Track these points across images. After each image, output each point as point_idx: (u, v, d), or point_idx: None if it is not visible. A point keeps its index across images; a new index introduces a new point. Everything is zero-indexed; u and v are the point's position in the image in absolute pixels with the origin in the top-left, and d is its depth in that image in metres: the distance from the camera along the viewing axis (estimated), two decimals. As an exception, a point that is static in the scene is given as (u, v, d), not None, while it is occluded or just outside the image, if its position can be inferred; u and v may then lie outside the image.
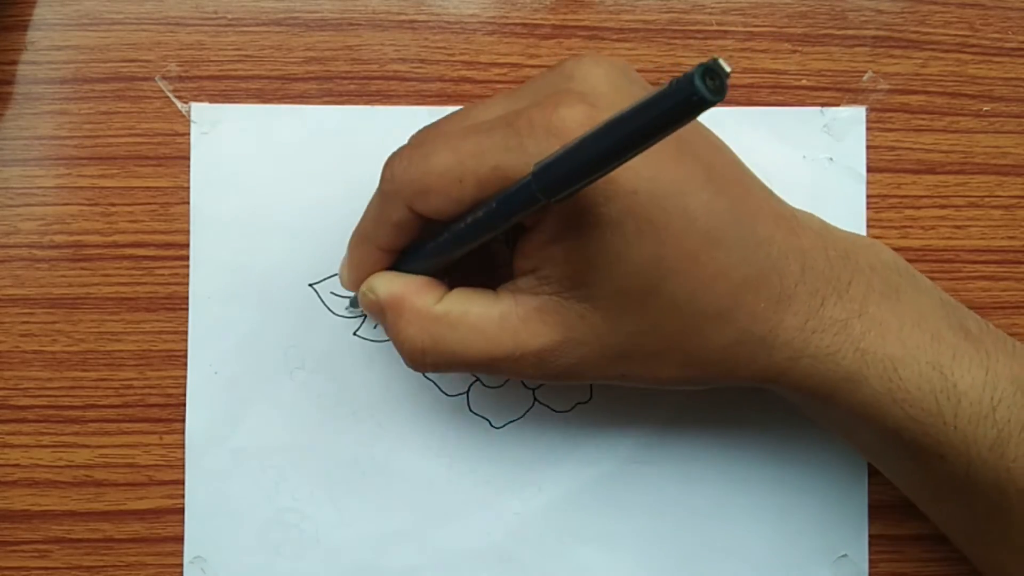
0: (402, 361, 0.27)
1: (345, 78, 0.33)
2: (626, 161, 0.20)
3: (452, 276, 0.28)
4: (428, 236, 0.27)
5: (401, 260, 0.28)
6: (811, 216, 0.28)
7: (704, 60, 0.18)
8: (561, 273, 0.25)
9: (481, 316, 0.26)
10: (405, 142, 0.27)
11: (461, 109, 0.28)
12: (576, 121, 0.23)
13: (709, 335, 0.26)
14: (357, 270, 0.29)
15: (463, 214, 0.25)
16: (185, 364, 0.32)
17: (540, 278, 0.25)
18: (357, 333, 0.33)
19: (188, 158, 0.33)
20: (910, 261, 0.29)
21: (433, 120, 0.32)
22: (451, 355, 0.26)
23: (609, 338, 0.25)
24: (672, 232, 0.24)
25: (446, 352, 0.26)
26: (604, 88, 0.25)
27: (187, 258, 0.32)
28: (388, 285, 0.28)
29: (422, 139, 0.26)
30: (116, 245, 0.32)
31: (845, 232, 0.29)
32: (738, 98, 0.33)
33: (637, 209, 0.24)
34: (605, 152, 0.20)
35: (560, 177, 0.22)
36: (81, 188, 0.32)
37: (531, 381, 0.27)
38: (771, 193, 0.28)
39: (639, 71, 0.33)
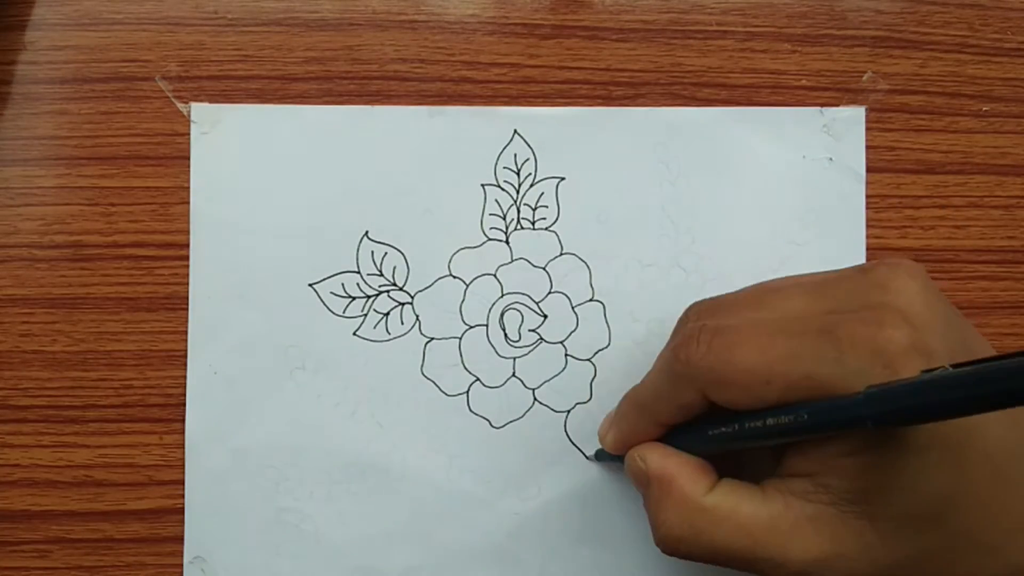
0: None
1: (345, 78, 0.33)
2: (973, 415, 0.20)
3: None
4: (708, 418, 0.27)
5: (673, 434, 0.28)
6: None
7: None
8: (847, 487, 0.24)
9: (750, 517, 0.25)
10: (692, 318, 0.27)
11: (751, 291, 0.27)
12: (902, 346, 0.23)
13: (979, 567, 0.25)
14: (627, 437, 0.29)
15: (760, 413, 0.25)
16: (185, 364, 0.32)
17: (819, 484, 0.25)
18: (357, 333, 0.33)
19: (188, 158, 0.33)
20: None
21: (432, 118, 0.32)
22: (711, 548, 0.26)
23: (880, 559, 0.25)
24: (970, 465, 0.24)
25: (707, 545, 0.26)
26: (920, 308, 0.24)
27: (187, 258, 0.32)
28: (661, 461, 0.27)
29: (720, 327, 0.26)
30: (116, 245, 0.32)
31: None
32: (738, 98, 0.33)
33: (942, 440, 0.23)
34: (955, 404, 0.20)
35: (897, 411, 0.21)
36: (81, 188, 0.32)
37: None
38: None
39: (639, 71, 0.33)
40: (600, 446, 0.31)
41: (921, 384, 0.21)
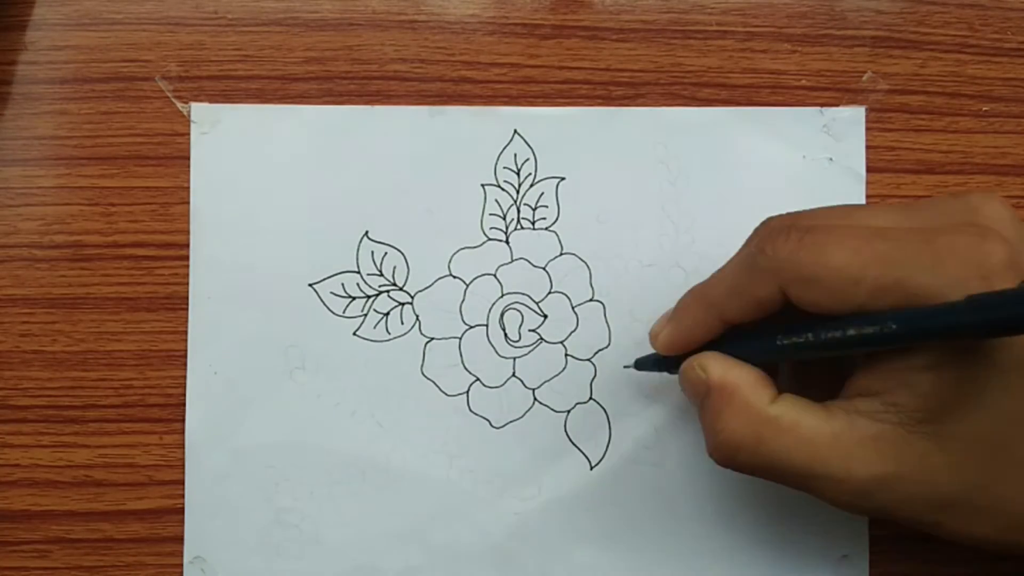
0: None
1: (345, 78, 0.33)
2: None
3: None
4: (772, 326, 0.26)
5: (732, 340, 0.27)
6: None
7: None
8: (917, 405, 0.24)
9: (812, 429, 0.25)
10: (782, 219, 0.26)
11: (836, 207, 0.27)
12: (1001, 260, 0.23)
13: None
14: (686, 334, 0.28)
15: (840, 321, 0.24)
16: (185, 364, 0.32)
17: (887, 403, 0.24)
18: (357, 333, 0.33)
19: (188, 158, 0.33)
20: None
21: (434, 119, 0.32)
22: (770, 459, 0.25)
23: (944, 485, 0.24)
24: None
25: (766, 455, 0.25)
26: (1013, 233, 0.24)
27: (187, 258, 0.32)
28: (723, 371, 0.27)
29: (812, 226, 0.25)
30: (116, 245, 0.32)
31: None
32: (738, 98, 0.33)
33: None
34: None
35: (1001, 320, 0.21)
36: (81, 188, 0.32)
37: (834, 506, 0.26)
38: None
39: (639, 71, 0.33)
40: (642, 354, 0.30)
41: None
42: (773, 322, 0.26)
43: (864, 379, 0.25)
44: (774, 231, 0.26)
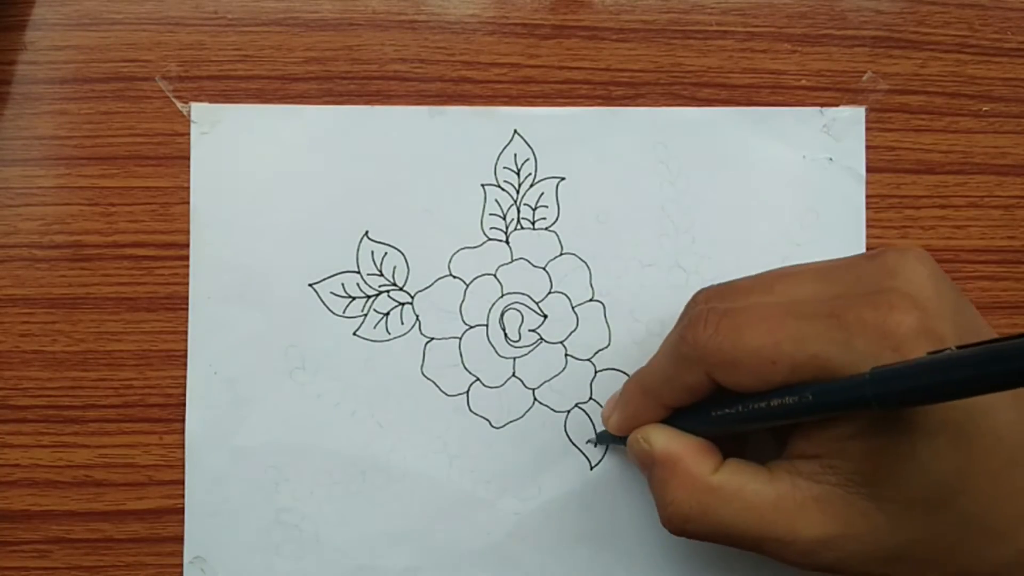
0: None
1: (345, 78, 0.33)
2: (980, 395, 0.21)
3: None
4: (712, 400, 0.27)
5: (677, 416, 0.28)
6: None
7: None
8: (853, 468, 0.24)
9: (757, 494, 0.26)
10: (701, 302, 0.27)
11: (760, 277, 0.27)
12: (911, 329, 0.23)
13: (987, 552, 0.25)
14: (631, 420, 0.29)
15: (766, 394, 0.25)
16: (185, 364, 0.32)
17: (826, 466, 0.25)
18: (357, 333, 0.33)
19: (188, 158, 0.33)
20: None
21: (434, 119, 0.32)
22: (717, 527, 0.26)
23: (887, 540, 0.25)
24: (980, 449, 0.24)
25: (713, 523, 0.26)
26: (930, 293, 0.24)
27: (187, 258, 0.32)
28: (666, 442, 0.28)
29: (728, 308, 0.26)
30: (116, 245, 0.32)
31: None
32: (738, 98, 0.33)
33: (951, 423, 0.23)
34: (961, 384, 0.20)
35: (903, 392, 0.21)
36: (81, 188, 0.32)
37: (785, 565, 0.26)
38: None
39: (639, 71, 0.33)
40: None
41: (927, 364, 0.21)
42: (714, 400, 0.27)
43: (801, 442, 0.26)
44: (694, 319, 0.26)
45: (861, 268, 0.26)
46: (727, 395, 0.26)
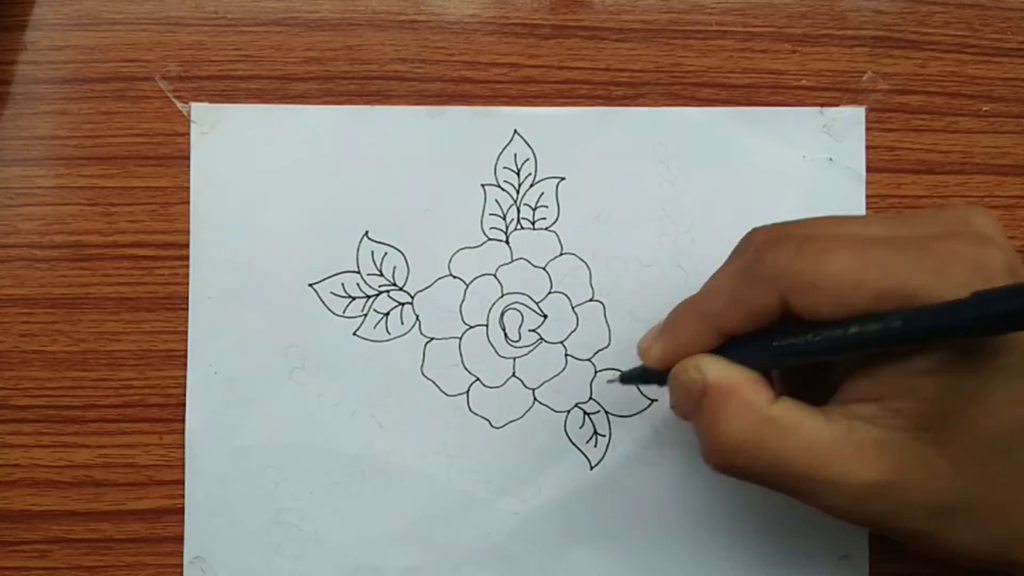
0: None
1: (345, 78, 0.33)
2: None
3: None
4: (768, 332, 0.26)
5: (729, 348, 0.27)
6: None
7: None
8: (921, 410, 0.24)
9: (813, 432, 0.25)
10: (775, 229, 0.26)
11: (825, 218, 0.26)
12: (1001, 264, 0.23)
13: None
14: (679, 347, 0.27)
15: (843, 322, 0.24)
16: (185, 364, 0.32)
17: (887, 409, 0.24)
18: (357, 333, 0.33)
19: (188, 158, 0.33)
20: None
21: (434, 119, 0.32)
22: (769, 460, 0.25)
23: (944, 491, 0.24)
24: None
25: (766, 456, 0.25)
26: (1004, 239, 0.24)
27: (187, 258, 0.32)
28: (722, 370, 0.26)
29: (809, 235, 0.25)
30: (116, 245, 0.32)
31: None
32: (738, 98, 0.33)
33: None
34: None
35: (1008, 314, 0.21)
36: (81, 188, 0.32)
37: (829, 515, 0.26)
38: None
39: (639, 71, 0.33)
40: (628, 367, 0.30)
41: None
42: (766, 333, 0.26)
43: (862, 384, 0.25)
44: (771, 240, 0.25)
45: (937, 215, 0.25)
46: (790, 326, 0.25)
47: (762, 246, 0.25)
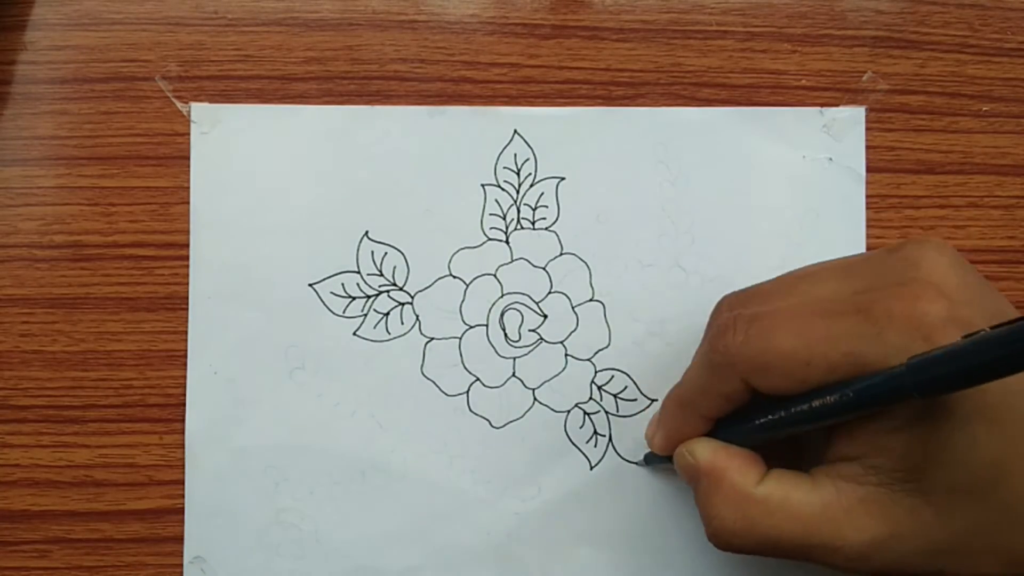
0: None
1: (345, 78, 0.33)
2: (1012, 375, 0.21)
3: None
4: (754, 407, 0.27)
5: (720, 428, 0.28)
6: None
7: None
8: (895, 465, 0.24)
9: (802, 503, 0.26)
10: (729, 305, 0.27)
11: (781, 280, 0.27)
12: (939, 318, 0.23)
13: None
14: (674, 435, 0.29)
15: (804, 396, 0.25)
16: (185, 364, 0.32)
17: (867, 467, 0.25)
18: (357, 333, 0.33)
19: (188, 158, 0.33)
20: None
21: (434, 119, 0.32)
22: (763, 540, 0.26)
23: (936, 534, 0.25)
24: (1017, 432, 0.24)
25: (759, 537, 0.26)
26: (954, 281, 0.24)
27: (187, 258, 0.32)
28: (711, 455, 0.28)
29: (756, 313, 0.26)
30: (116, 245, 0.32)
31: None
32: (738, 98, 0.33)
33: (986, 408, 0.23)
34: (997, 363, 0.20)
35: (941, 377, 0.22)
36: (81, 188, 0.32)
37: (831, 569, 0.26)
38: None
39: (639, 71, 0.33)
40: (648, 450, 0.31)
41: (963, 348, 0.21)
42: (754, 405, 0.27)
43: (843, 444, 0.25)
44: (722, 326, 0.26)
45: (881, 262, 0.26)
46: (767, 401, 0.26)
47: (715, 334, 0.27)
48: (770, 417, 0.26)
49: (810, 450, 0.28)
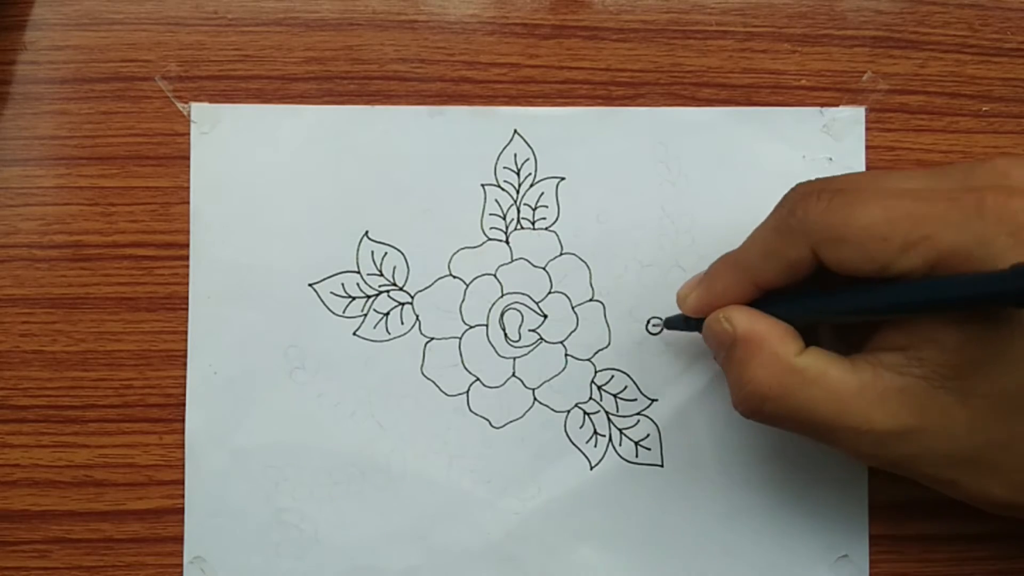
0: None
1: (345, 78, 0.33)
2: None
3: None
4: (807, 286, 0.26)
5: (765, 302, 0.28)
6: None
7: None
8: (943, 360, 0.24)
9: (839, 381, 0.25)
10: (812, 183, 0.27)
11: (866, 172, 0.27)
12: None
13: None
14: (715, 298, 0.28)
15: (879, 282, 0.24)
16: (185, 364, 0.32)
17: (912, 358, 0.25)
18: (357, 333, 0.33)
19: (188, 158, 0.33)
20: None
21: (434, 119, 0.32)
22: (795, 410, 0.26)
23: (964, 440, 0.25)
24: None
25: (791, 406, 0.26)
26: None
27: (187, 258, 0.32)
28: (750, 321, 0.27)
29: (842, 188, 0.26)
30: (116, 245, 0.32)
31: None
32: (738, 98, 0.33)
33: None
34: None
35: None
36: (81, 188, 0.32)
37: (855, 458, 0.27)
38: None
39: (639, 71, 0.33)
40: (668, 315, 0.31)
41: None
42: (803, 289, 0.27)
43: (890, 334, 0.25)
44: (805, 194, 0.26)
45: (974, 168, 0.25)
46: (822, 283, 0.26)
47: (796, 200, 0.26)
48: (830, 297, 0.26)
49: (845, 342, 0.27)
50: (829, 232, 0.25)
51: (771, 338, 0.26)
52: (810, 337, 0.27)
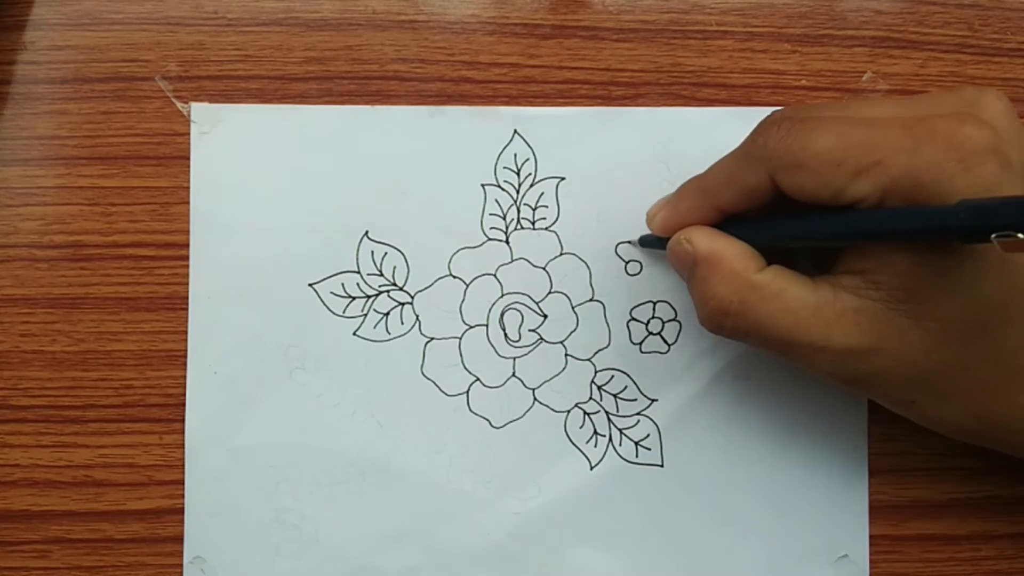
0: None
1: (345, 78, 0.33)
2: None
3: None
4: (765, 211, 0.27)
5: (726, 224, 0.28)
6: None
7: None
8: (897, 284, 0.25)
9: (797, 298, 0.26)
10: (778, 112, 0.27)
11: (836, 101, 0.27)
12: (981, 144, 0.23)
13: (1015, 394, 0.25)
14: (679, 218, 0.29)
15: (834, 207, 0.25)
16: (185, 364, 0.32)
17: (869, 281, 0.25)
18: (357, 333, 0.33)
19: (188, 158, 0.33)
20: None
21: (434, 119, 0.32)
22: (754, 325, 0.26)
23: (919, 362, 0.25)
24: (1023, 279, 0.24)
25: (750, 321, 0.26)
26: (1003, 121, 0.24)
27: (187, 258, 0.32)
28: (709, 241, 0.28)
29: (803, 115, 0.26)
30: (116, 245, 0.32)
31: None
32: (738, 98, 0.33)
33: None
34: None
35: (994, 228, 0.21)
36: (81, 188, 0.32)
37: (815, 374, 0.27)
38: None
39: (639, 71, 0.33)
40: (647, 232, 0.31)
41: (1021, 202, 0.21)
42: (766, 214, 0.27)
43: (851, 258, 0.26)
44: (771, 122, 0.27)
45: (938, 96, 0.26)
46: (789, 210, 0.26)
47: (760, 129, 0.27)
48: (785, 220, 0.26)
49: (818, 268, 0.28)
50: (786, 158, 0.25)
51: (730, 256, 0.27)
52: (787, 262, 0.28)
